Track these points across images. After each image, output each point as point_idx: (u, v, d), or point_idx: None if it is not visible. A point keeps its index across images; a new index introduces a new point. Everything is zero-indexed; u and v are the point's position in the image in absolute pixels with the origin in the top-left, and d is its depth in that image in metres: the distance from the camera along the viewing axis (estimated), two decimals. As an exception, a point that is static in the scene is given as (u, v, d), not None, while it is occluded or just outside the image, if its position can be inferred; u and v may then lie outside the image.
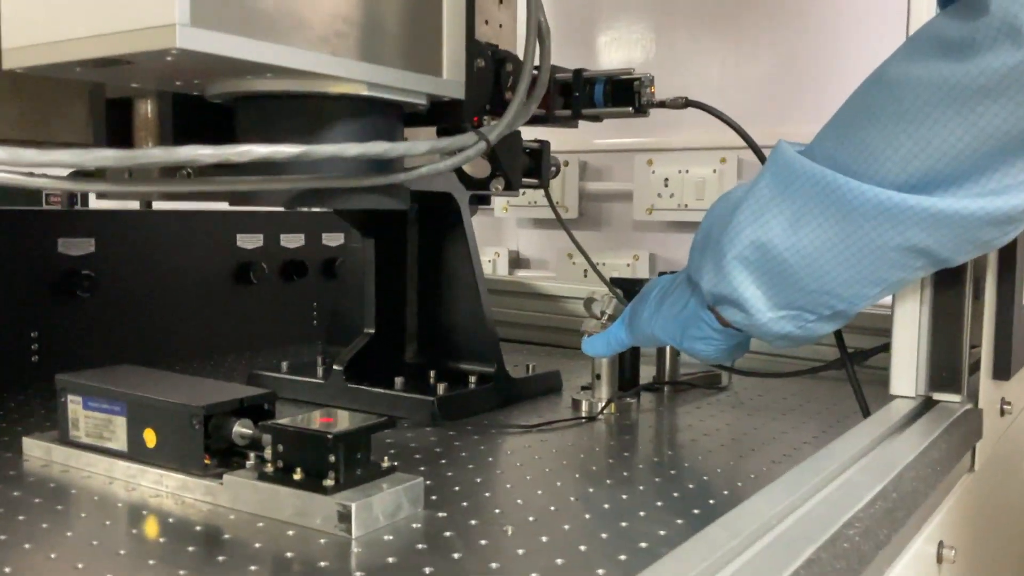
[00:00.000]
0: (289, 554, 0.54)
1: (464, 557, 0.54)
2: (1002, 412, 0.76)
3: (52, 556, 0.54)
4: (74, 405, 0.70)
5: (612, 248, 1.53)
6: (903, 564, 0.60)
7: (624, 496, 0.65)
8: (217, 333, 1.21)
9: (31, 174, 0.44)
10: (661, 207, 1.46)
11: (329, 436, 0.58)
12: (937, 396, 0.71)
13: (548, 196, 0.87)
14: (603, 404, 0.90)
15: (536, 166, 0.84)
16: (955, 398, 0.70)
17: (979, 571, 0.81)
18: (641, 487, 0.68)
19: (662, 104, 0.79)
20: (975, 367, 0.73)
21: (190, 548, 0.57)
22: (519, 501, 0.64)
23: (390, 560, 0.53)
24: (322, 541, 0.55)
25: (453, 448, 0.78)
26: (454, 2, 0.57)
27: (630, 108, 0.78)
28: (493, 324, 0.96)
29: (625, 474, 0.71)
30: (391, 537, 0.56)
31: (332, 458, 0.58)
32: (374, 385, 0.90)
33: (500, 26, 0.74)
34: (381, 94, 0.54)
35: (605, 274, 0.99)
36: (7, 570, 0.54)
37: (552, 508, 0.62)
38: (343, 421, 0.61)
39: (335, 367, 0.93)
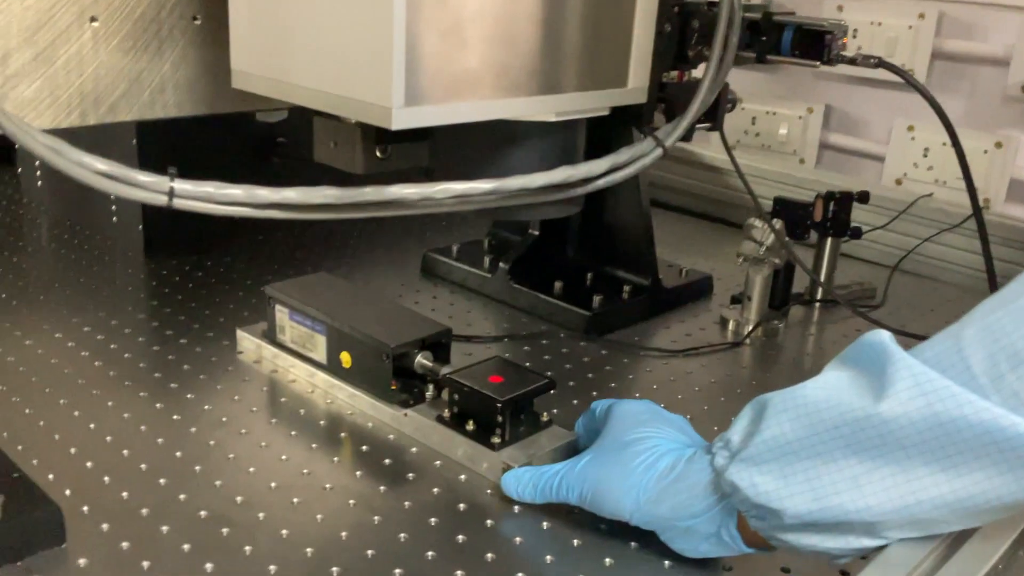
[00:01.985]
0: (463, 493, 0.64)
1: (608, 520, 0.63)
2: None
3: (262, 444, 0.67)
4: (281, 314, 0.81)
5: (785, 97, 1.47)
6: None
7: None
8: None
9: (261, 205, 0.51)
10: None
11: (499, 403, 0.66)
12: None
13: (724, 139, 0.87)
14: (750, 328, 0.95)
15: (713, 108, 0.83)
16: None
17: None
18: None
19: (852, 61, 0.76)
20: None
21: (386, 461, 0.69)
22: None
23: (544, 523, 0.63)
24: (488, 491, 0.66)
25: (601, 364, 0.86)
26: (645, 13, 0.58)
27: (817, 62, 0.76)
28: (651, 235, 1.00)
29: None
30: (546, 493, 0.66)
31: (499, 418, 0.67)
32: (535, 288, 0.98)
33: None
34: (568, 117, 0.57)
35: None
36: (230, 455, 0.68)
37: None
38: (511, 380, 0.69)
39: (501, 265, 1.01)
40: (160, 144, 1.00)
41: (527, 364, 0.86)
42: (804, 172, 1.30)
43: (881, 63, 0.75)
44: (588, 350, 0.90)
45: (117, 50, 0.57)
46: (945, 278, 1.16)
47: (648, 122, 0.66)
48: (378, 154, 0.58)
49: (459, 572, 0.57)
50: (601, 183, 0.60)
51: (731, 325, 0.97)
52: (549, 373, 0.83)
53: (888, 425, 0.44)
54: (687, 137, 0.81)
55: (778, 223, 0.93)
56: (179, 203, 0.50)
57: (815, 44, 0.75)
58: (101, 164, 0.48)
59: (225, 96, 0.67)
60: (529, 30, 0.51)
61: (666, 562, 0.58)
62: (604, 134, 0.72)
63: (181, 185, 0.50)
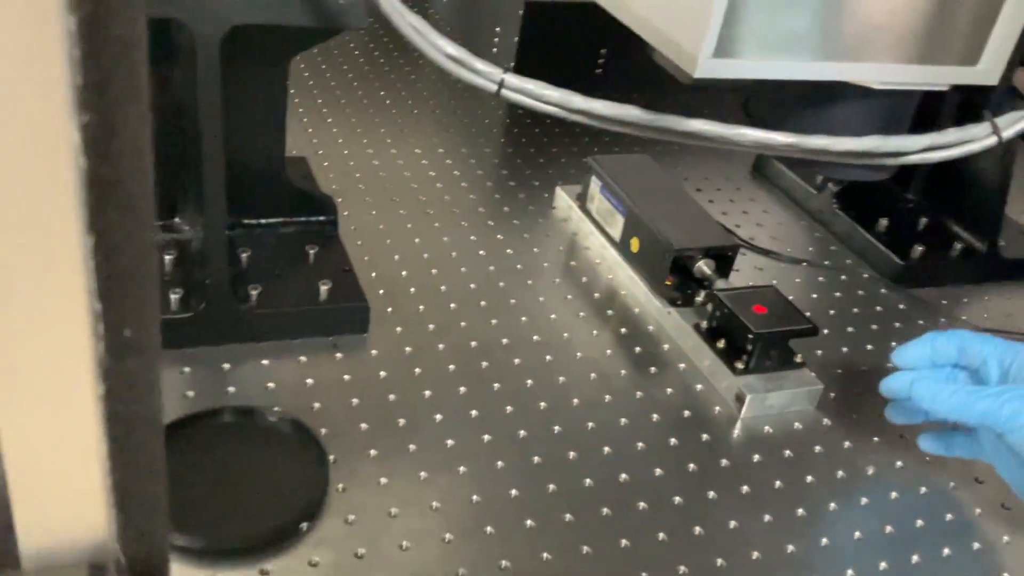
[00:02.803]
0: (693, 402, 0.70)
1: (816, 476, 0.65)
2: None
3: (540, 299, 0.77)
4: (594, 185, 0.88)
5: None
6: None
7: None
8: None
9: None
10: None
11: (751, 333, 0.69)
12: None
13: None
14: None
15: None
16: None
17: None
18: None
19: None
20: None
21: (636, 347, 0.75)
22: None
23: (756, 455, 0.66)
24: (716, 409, 0.70)
25: (892, 319, 0.83)
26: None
27: None
28: (1005, 194, 0.91)
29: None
30: (770, 429, 0.69)
31: (749, 347, 0.70)
32: (857, 219, 0.94)
33: None
34: (893, 87, 0.54)
35: None
36: (512, 301, 0.78)
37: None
38: (775, 314, 0.71)
39: (830, 185, 0.98)
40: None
41: (815, 296, 0.86)
42: None
43: None
44: (886, 299, 0.87)
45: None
46: None
47: (995, 108, 0.60)
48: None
49: (658, 471, 0.63)
50: (915, 159, 0.57)
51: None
52: (832, 312, 0.83)
53: None
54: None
55: None
56: (506, 93, 0.57)
57: None
58: (451, 48, 0.56)
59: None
60: (860, 7, 0.49)
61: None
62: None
63: (510, 79, 0.57)
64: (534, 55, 1.12)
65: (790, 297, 0.81)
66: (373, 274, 0.77)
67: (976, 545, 0.62)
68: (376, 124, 1.02)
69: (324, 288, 0.69)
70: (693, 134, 0.56)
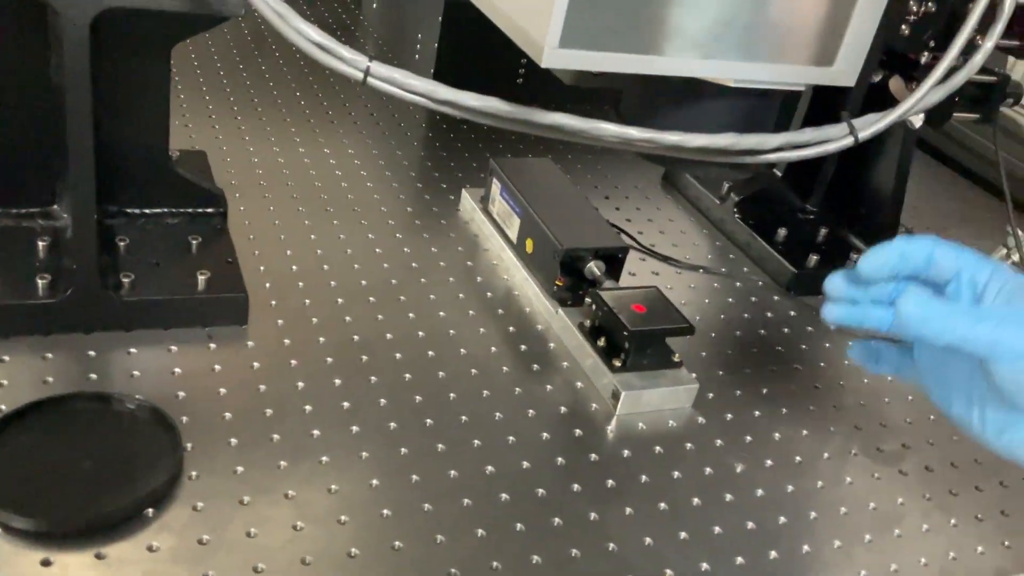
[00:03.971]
0: (572, 398, 0.70)
1: (683, 474, 0.65)
2: None
3: (431, 297, 0.76)
4: (495, 188, 0.89)
5: None
6: None
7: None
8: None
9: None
10: None
11: (627, 331, 0.69)
12: None
13: (995, 136, 0.77)
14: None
15: (986, 100, 0.74)
16: None
17: None
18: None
19: None
20: None
21: (522, 347, 0.76)
22: (778, 435, 0.72)
23: (626, 451, 0.66)
24: (594, 406, 0.70)
25: (781, 324, 0.84)
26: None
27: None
28: (899, 208, 0.93)
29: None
30: (644, 426, 0.69)
31: (626, 345, 0.70)
32: (756, 228, 0.96)
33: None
34: (748, 86, 0.55)
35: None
36: (401, 297, 0.78)
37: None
38: (653, 313, 0.72)
39: (733, 195, 1.00)
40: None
41: (707, 300, 0.87)
42: None
43: None
44: (778, 306, 0.88)
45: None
46: None
47: (853, 108, 0.61)
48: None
49: (525, 463, 0.63)
50: (772, 157, 0.58)
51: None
52: (723, 316, 0.84)
53: None
54: (937, 124, 0.74)
55: (1036, 239, 0.82)
56: (372, 82, 0.57)
57: None
58: (315, 34, 0.56)
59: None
60: (717, 4, 0.51)
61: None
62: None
63: (376, 67, 0.57)
64: (454, 63, 1.13)
65: (683, 302, 0.82)
66: (262, 267, 0.77)
67: (837, 543, 0.62)
68: (287, 123, 1.02)
69: (202, 278, 0.68)
70: (554, 127, 0.56)
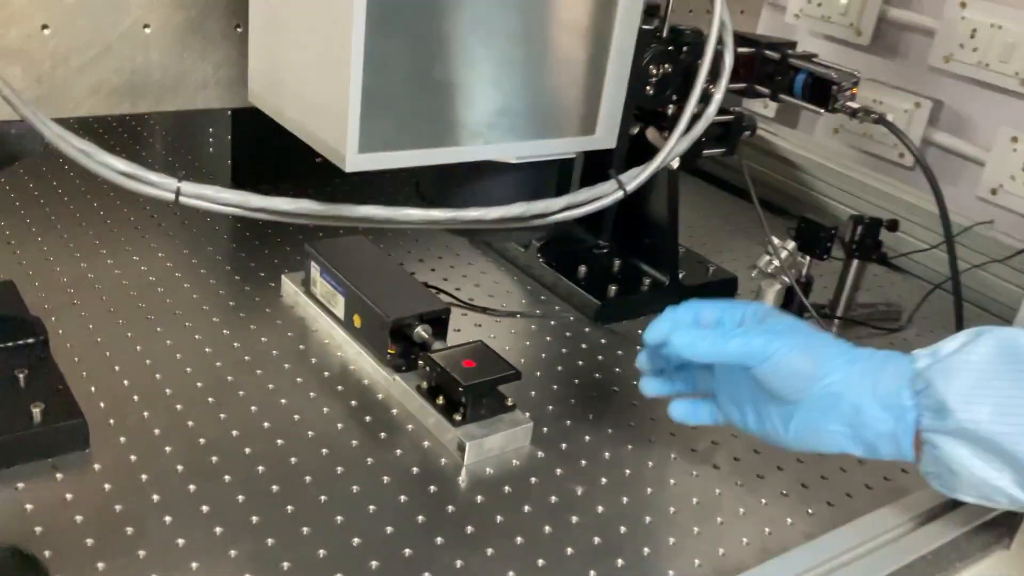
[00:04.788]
0: (421, 457, 0.75)
1: (532, 507, 0.72)
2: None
3: (270, 387, 0.80)
4: (315, 271, 0.93)
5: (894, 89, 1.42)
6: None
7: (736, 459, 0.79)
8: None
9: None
10: (962, 59, 1.26)
11: (462, 386, 0.76)
12: None
13: (742, 165, 0.91)
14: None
15: (726, 135, 0.87)
16: None
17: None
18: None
19: (854, 113, 0.78)
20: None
21: (366, 417, 0.80)
22: (608, 451, 0.80)
23: (479, 497, 0.72)
24: (443, 461, 0.76)
25: (596, 352, 0.93)
26: (618, 62, 0.63)
27: (822, 109, 0.79)
28: (675, 233, 1.05)
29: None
30: (491, 470, 0.76)
31: (463, 399, 0.76)
32: (559, 269, 1.05)
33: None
34: (529, 160, 0.63)
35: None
36: (240, 392, 0.81)
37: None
38: (483, 365, 0.78)
39: (534, 241, 1.09)
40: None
41: (527, 343, 0.95)
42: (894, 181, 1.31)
43: (881, 120, 0.77)
44: (590, 336, 0.97)
45: (167, 52, 0.68)
46: (994, 309, 1.16)
47: (618, 166, 0.72)
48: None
49: (389, 528, 0.68)
50: (558, 218, 0.67)
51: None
52: (544, 355, 0.92)
53: None
54: (691, 164, 0.86)
55: (791, 244, 0.96)
56: (184, 200, 0.61)
57: (823, 92, 0.78)
58: (122, 165, 0.59)
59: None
60: (486, 90, 0.58)
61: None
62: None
63: (186, 186, 0.60)
64: (247, 159, 1.17)
65: (506, 347, 0.89)
66: (93, 388, 0.77)
67: (671, 540, 0.71)
68: (90, 238, 1.02)
69: (37, 410, 0.69)
70: (365, 218, 0.62)
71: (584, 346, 0.95)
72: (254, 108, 0.73)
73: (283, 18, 0.61)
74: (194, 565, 0.62)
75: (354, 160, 0.55)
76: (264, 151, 1.14)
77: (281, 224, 1.10)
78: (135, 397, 0.77)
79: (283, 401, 0.80)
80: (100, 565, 0.60)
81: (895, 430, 0.59)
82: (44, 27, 0.65)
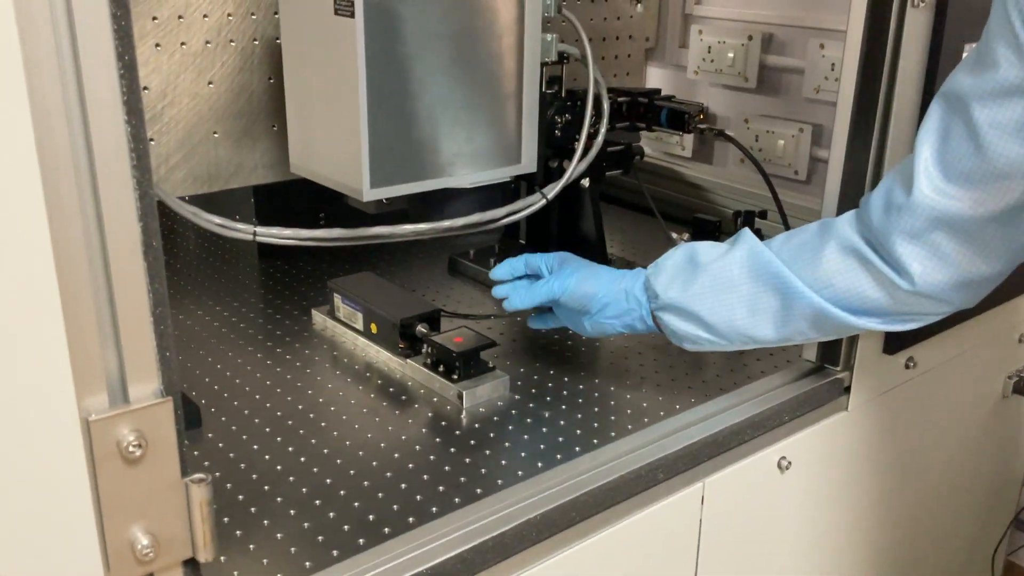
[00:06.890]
0: (434, 408, 1.06)
1: (514, 426, 1.03)
2: (906, 366, 1.10)
3: (318, 379, 1.10)
4: (338, 300, 1.25)
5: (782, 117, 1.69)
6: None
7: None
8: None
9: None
10: (828, 88, 1.57)
11: (455, 353, 1.07)
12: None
13: (638, 181, 1.25)
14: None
15: (624, 159, 1.21)
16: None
17: (838, 495, 1.18)
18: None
19: (701, 131, 1.13)
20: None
21: (390, 389, 1.11)
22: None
23: (477, 425, 1.03)
24: (448, 408, 1.07)
25: (541, 337, 1.25)
26: (530, 114, 0.97)
27: (681, 132, 1.14)
28: (603, 243, 1.38)
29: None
30: (484, 409, 1.07)
31: (456, 364, 1.08)
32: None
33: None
34: (480, 184, 0.97)
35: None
36: (298, 384, 1.12)
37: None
38: (468, 339, 1.10)
39: (492, 261, 1.41)
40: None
41: (500, 333, 1.27)
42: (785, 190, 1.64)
43: (721, 134, 1.12)
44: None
45: (229, 149, 1.01)
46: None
47: (540, 182, 1.05)
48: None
49: (418, 447, 0.98)
50: (504, 222, 1.00)
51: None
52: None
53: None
54: (598, 180, 1.20)
55: (686, 235, 1.30)
56: (260, 238, 0.93)
57: (679, 120, 1.12)
58: (217, 220, 0.92)
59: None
60: (448, 140, 0.92)
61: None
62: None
63: (260, 229, 0.93)
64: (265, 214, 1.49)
65: (488, 327, 1.21)
66: (193, 393, 1.08)
67: (612, 434, 1.02)
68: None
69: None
70: (376, 236, 0.95)
71: (531, 335, 1.27)
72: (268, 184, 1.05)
73: (310, 110, 0.94)
74: (279, 500, 0.92)
75: (368, 193, 0.88)
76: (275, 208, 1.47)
77: (300, 271, 1.43)
78: (227, 395, 1.08)
79: (329, 386, 1.11)
80: (229, 484, 0.91)
81: (641, 313, 0.98)
82: (151, 139, 0.98)
